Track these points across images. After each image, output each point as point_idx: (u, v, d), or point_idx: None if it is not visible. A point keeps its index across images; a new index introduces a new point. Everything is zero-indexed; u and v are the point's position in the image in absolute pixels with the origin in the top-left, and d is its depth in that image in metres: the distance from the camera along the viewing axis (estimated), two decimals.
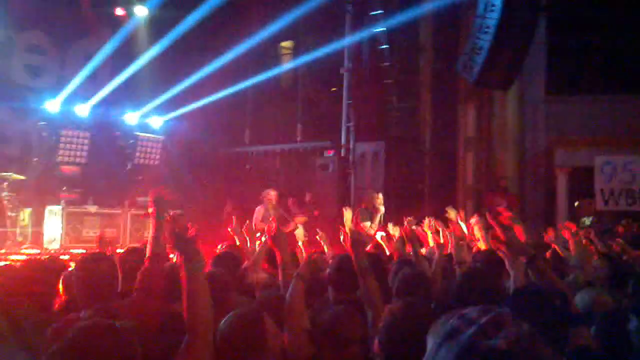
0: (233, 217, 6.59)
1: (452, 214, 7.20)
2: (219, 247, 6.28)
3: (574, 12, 12.27)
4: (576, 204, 12.31)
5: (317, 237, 6.95)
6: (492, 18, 10.54)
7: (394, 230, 7.41)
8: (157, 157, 14.00)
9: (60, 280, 4.19)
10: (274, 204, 10.04)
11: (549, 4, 12.07)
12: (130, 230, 11.91)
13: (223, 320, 2.87)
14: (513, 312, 2.55)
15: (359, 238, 3.98)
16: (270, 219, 9.94)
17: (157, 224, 3.85)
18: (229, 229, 6.23)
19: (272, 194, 10.39)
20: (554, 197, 12.44)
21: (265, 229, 4.67)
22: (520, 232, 6.65)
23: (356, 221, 9.80)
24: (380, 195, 9.96)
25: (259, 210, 10.28)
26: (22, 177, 11.77)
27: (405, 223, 6.25)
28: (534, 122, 12.94)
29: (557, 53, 12.63)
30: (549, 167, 12.66)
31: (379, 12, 13.58)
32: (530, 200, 12.39)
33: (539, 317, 2.63)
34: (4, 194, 11.34)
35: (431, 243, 6.69)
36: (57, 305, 4.30)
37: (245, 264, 5.35)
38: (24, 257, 9.62)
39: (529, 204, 12.38)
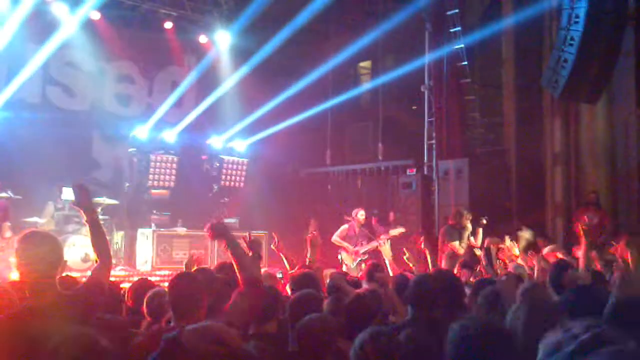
0: (316, 234, 6.71)
1: (507, 241, 7.14)
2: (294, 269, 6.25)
3: None
4: None
5: (405, 257, 6.92)
6: (577, 30, 10.29)
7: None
8: (242, 179, 14.30)
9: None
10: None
11: (637, 13, 11.66)
12: (218, 251, 12.19)
13: None
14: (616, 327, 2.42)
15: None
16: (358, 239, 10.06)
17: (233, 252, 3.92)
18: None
19: (362, 213, 10.56)
20: None
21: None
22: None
23: (442, 240, 9.72)
24: (468, 214, 9.79)
25: (345, 228, 10.47)
26: (114, 202, 12.28)
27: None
28: (625, 135, 12.44)
29: None
30: None
31: (458, 28, 13.48)
32: (623, 217, 11.89)
33: None
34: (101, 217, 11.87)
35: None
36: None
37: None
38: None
39: (621, 220, 11.88)
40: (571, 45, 10.32)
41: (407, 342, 2.96)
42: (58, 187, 11.28)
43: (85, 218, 3.53)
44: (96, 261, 3.47)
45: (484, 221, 9.65)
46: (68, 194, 10.84)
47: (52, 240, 3.44)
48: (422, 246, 7.37)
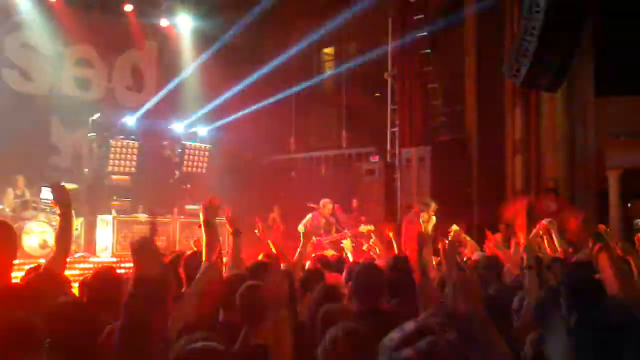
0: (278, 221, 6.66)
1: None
2: (259, 257, 6.12)
3: (623, 11, 12.00)
4: (629, 205, 12.08)
5: (370, 243, 6.85)
6: (537, 19, 10.39)
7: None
8: (204, 165, 14.17)
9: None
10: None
11: (596, 4, 11.84)
12: (180, 237, 12.09)
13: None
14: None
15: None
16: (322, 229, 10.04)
17: (208, 232, 3.93)
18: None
19: (329, 206, 10.59)
20: (605, 199, 12.18)
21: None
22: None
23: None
24: (435, 206, 9.82)
25: (311, 217, 10.50)
26: (74, 187, 12.05)
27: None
28: (583, 123, 12.71)
29: (606, 53, 12.38)
30: (599, 168, 12.40)
31: (421, 16, 13.52)
32: (581, 203, 12.14)
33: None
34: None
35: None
36: None
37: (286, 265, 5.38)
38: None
39: (580, 206, 12.14)
40: (532, 34, 10.42)
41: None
42: (21, 178, 11.10)
43: (59, 211, 3.65)
44: (52, 250, 3.47)
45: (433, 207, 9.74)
46: (46, 193, 10.68)
47: (4, 228, 3.45)
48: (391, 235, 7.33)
